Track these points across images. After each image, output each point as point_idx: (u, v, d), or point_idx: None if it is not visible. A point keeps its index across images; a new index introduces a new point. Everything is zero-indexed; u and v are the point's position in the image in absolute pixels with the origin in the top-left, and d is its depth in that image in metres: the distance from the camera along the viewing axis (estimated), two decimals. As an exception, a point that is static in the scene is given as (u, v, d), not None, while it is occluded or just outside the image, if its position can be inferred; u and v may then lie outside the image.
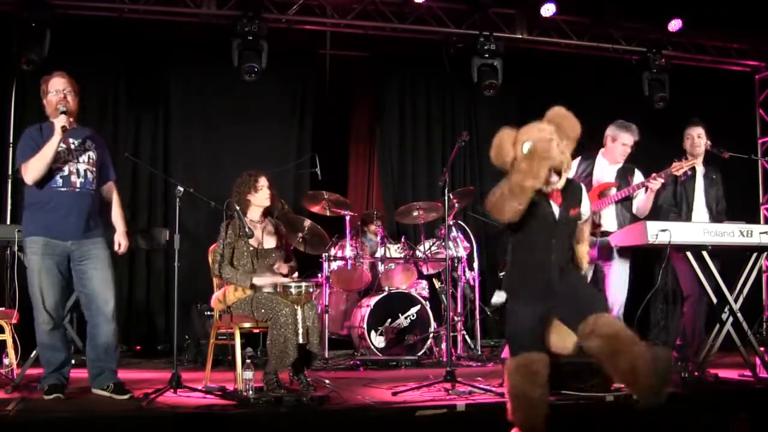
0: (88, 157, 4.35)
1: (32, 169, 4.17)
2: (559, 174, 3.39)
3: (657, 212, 5.32)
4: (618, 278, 5.24)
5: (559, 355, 3.57)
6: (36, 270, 4.22)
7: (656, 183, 5.10)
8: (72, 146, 4.28)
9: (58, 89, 4.29)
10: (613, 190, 5.26)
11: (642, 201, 5.24)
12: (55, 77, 4.33)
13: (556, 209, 3.46)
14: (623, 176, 5.30)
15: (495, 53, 7.24)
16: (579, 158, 5.43)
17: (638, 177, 5.29)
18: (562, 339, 3.52)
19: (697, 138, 5.42)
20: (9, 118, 6.90)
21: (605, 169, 5.35)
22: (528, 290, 3.47)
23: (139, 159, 7.05)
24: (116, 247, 4.50)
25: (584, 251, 3.67)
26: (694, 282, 5.04)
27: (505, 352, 4.68)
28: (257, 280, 4.67)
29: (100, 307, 4.32)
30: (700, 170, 5.46)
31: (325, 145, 7.64)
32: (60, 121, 4.15)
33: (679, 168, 5.17)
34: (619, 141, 5.30)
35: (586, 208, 3.65)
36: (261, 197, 4.86)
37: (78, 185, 4.27)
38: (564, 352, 3.57)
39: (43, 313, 4.21)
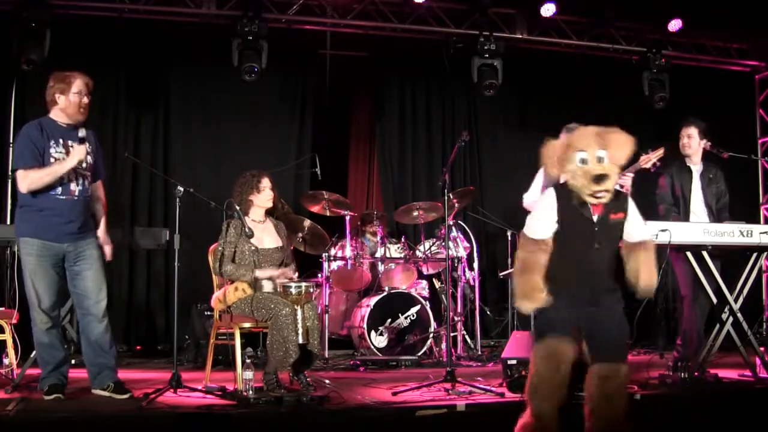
0: (86, 163, 4.32)
1: (34, 182, 4.12)
2: (607, 191, 3.35)
3: (656, 214, 5.31)
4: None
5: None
6: (32, 271, 4.20)
7: (626, 179, 5.08)
8: (71, 151, 4.23)
9: (82, 91, 4.27)
10: None
11: None
12: (79, 78, 4.27)
13: (595, 216, 3.43)
14: None
15: (495, 53, 7.25)
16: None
17: None
18: None
19: (687, 138, 5.39)
20: (9, 118, 6.90)
21: None
22: (567, 289, 3.43)
23: (139, 159, 7.05)
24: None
25: (646, 277, 3.44)
26: (691, 282, 5.05)
27: (506, 352, 4.69)
28: (259, 273, 4.68)
29: (90, 308, 4.32)
30: (696, 169, 5.43)
31: (325, 145, 7.63)
32: (80, 154, 4.14)
33: (647, 160, 5.13)
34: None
35: (637, 225, 3.51)
36: (263, 198, 4.86)
37: (77, 193, 4.26)
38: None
39: (40, 313, 4.20)
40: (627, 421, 3.36)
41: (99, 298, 4.33)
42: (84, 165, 4.27)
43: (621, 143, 3.40)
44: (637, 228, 3.51)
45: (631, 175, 5.08)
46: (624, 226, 3.48)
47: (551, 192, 3.47)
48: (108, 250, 4.50)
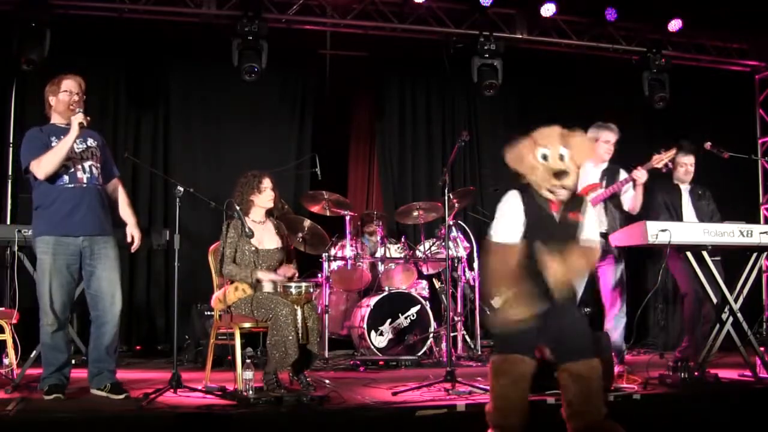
0: (92, 154, 4.38)
1: (46, 164, 4.17)
2: (565, 187, 3.35)
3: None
4: (613, 278, 5.25)
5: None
6: (47, 270, 4.20)
7: (641, 174, 5.15)
8: (76, 144, 4.29)
9: (72, 90, 4.34)
10: (600, 190, 5.30)
11: (632, 197, 5.29)
12: (69, 79, 4.37)
13: (555, 214, 3.42)
14: (610, 176, 5.37)
15: (495, 53, 7.24)
16: None
17: (623, 176, 5.34)
18: None
19: (690, 166, 5.57)
20: (9, 118, 6.89)
21: (590, 171, 5.37)
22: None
23: (139, 159, 7.04)
24: (128, 239, 4.50)
25: (556, 272, 3.34)
26: (691, 280, 5.06)
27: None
28: (261, 274, 4.68)
29: (106, 309, 4.32)
30: (685, 188, 5.60)
31: (325, 145, 7.63)
32: (78, 118, 4.19)
33: (659, 160, 5.24)
34: (601, 139, 5.38)
35: (592, 228, 3.49)
36: (264, 198, 4.87)
37: (85, 180, 4.30)
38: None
39: (49, 315, 4.20)
40: (610, 420, 3.35)
41: (115, 300, 4.34)
42: (87, 146, 4.33)
43: (583, 146, 3.42)
44: (591, 232, 3.48)
45: (645, 171, 5.13)
46: (580, 227, 3.46)
47: (514, 194, 3.44)
48: (137, 237, 4.51)
